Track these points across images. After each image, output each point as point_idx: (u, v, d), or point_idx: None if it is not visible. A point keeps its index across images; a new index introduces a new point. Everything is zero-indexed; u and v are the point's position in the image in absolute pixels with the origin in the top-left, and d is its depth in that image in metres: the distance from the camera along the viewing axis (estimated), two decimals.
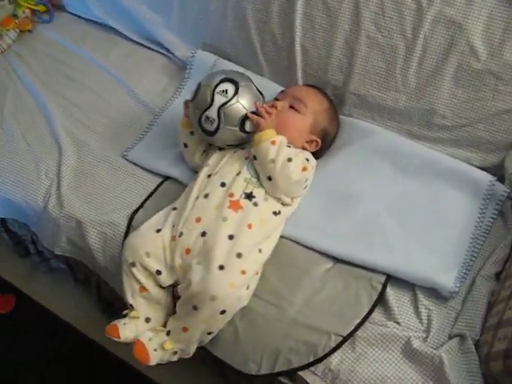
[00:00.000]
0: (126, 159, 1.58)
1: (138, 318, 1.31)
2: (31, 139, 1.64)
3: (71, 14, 2.01)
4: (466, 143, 1.49)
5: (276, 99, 1.49)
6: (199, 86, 1.38)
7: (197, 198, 1.35)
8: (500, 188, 1.42)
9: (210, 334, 1.27)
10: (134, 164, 1.57)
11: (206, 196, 1.33)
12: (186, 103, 1.43)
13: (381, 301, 1.29)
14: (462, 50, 1.40)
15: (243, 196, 1.32)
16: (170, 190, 1.51)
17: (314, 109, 1.47)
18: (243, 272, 1.23)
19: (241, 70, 1.66)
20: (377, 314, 1.28)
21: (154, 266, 1.30)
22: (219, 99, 1.32)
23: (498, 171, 1.46)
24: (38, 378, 1.78)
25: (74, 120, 1.69)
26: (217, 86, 1.33)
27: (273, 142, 1.31)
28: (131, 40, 1.90)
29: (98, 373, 1.78)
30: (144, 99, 1.72)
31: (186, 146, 1.48)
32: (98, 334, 1.75)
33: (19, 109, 1.72)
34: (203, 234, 1.28)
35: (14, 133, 1.66)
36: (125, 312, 1.33)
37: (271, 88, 1.61)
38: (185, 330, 1.26)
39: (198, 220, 1.30)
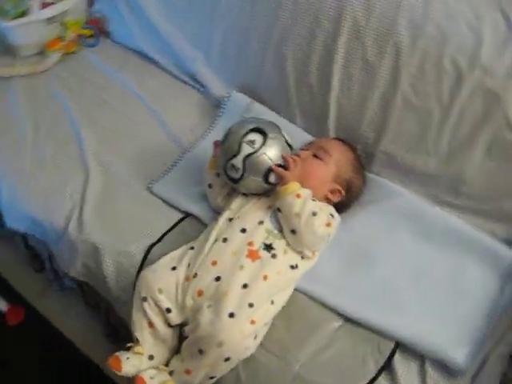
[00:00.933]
0: (151, 191, 1.59)
1: (141, 354, 1.30)
2: (61, 159, 1.66)
3: (116, 41, 2.06)
4: (492, 215, 1.46)
5: (302, 149, 1.50)
6: (229, 131, 1.39)
7: (215, 241, 1.34)
8: None
9: (211, 378, 1.26)
10: (158, 197, 1.57)
11: (225, 240, 1.33)
12: (216, 143, 1.44)
13: (388, 367, 1.26)
14: (498, 121, 1.39)
15: (263, 247, 1.31)
16: (190, 226, 1.51)
17: (337, 158, 1.47)
18: (253, 322, 1.22)
19: (273, 115, 1.68)
20: (382, 380, 1.25)
21: (165, 303, 1.29)
22: (246, 149, 1.33)
23: None
24: None
25: (104, 144, 1.70)
26: (245, 135, 1.34)
27: (298, 196, 1.31)
28: (169, 72, 1.92)
29: None
30: (175, 132, 1.74)
31: (210, 186, 1.49)
32: (99, 357, 1.76)
33: (53, 129, 1.75)
34: (218, 278, 1.27)
35: (46, 152, 1.68)
36: (129, 345, 1.32)
37: (302, 137, 1.62)
38: (188, 372, 1.25)
39: (214, 263, 1.29)
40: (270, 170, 1.34)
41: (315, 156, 1.46)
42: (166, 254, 1.38)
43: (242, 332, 1.19)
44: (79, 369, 1.80)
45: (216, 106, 1.80)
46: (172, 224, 1.52)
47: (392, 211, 1.51)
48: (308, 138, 1.63)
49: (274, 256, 1.31)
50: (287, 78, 1.65)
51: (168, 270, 1.32)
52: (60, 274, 1.82)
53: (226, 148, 1.36)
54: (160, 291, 1.29)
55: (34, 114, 1.79)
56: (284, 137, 1.40)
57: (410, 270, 1.41)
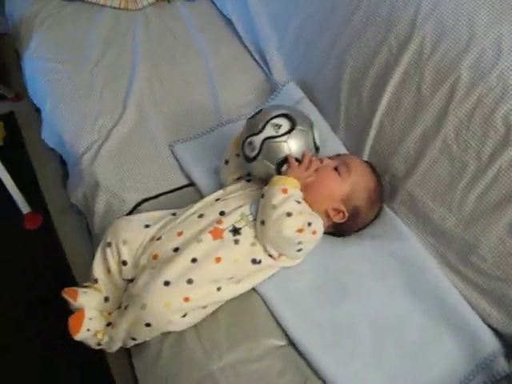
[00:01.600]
0: (171, 150, 1.60)
1: (100, 292, 1.31)
2: (106, 92, 1.72)
3: (213, 2, 2.07)
4: (494, 298, 1.30)
5: (329, 157, 1.42)
6: (260, 110, 1.35)
7: (193, 213, 1.33)
8: (501, 364, 1.24)
9: (133, 339, 1.25)
10: (175, 157, 1.58)
11: (201, 216, 1.31)
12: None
13: None
14: None
15: (230, 228, 1.27)
16: (190, 195, 1.49)
17: (356, 181, 1.37)
18: (186, 299, 1.19)
19: (319, 117, 1.61)
20: None
21: (124, 255, 1.29)
22: (269, 131, 1.28)
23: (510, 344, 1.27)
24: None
25: (150, 93, 1.74)
26: (274, 117, 1.29)
27: (284, 190, 1.25)
28: (245, 46, 1.91)
29: None
30: (220, 105, 1.73)
31: (226, 162, 1.45)
32: None
33: (114, 63, 1.81)
34: (176, 249, 1.25)
35: (98, 81, 1.75)
36: (86, 284, 1.34)
37: (337, 149, 1.54)
38: (112, 326, 1.25)
39: (180, 234, 1.28)
40: (285, 161, 1.28)
41: (336, 169, 1.38)
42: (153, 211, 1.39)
43: (168, 304, 1.17)
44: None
45: (273, 91, 1.75)
46: (175, 187, 1.52)
47: (391, 253, 1.38)
48: (343, 151, 1.55)
49: (236, 241, 1.26)
50: (342, 85, 1.57)
51: (141, 226, 1.33)
52: None
53: (251, 124, 1.32)
54: (124, 242, 1.30)
55: (105, 44, 1.87)
56: (313, 134, 1.33)
57: (381, 318, 1.30)
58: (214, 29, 1.97)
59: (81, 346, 1.29)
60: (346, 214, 1.36)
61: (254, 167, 1.33)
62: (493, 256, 1.29)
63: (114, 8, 1.97)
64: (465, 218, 1.34)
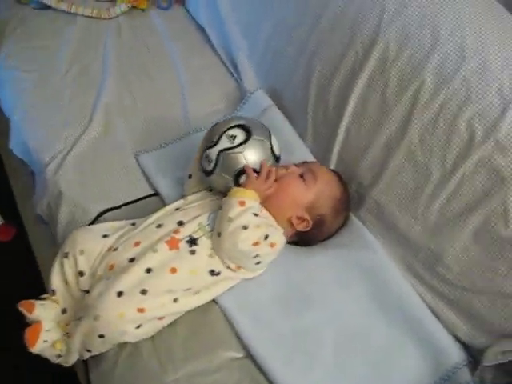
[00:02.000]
0: (136, 159, 1.57)
1: (57, 303, 1.28)
2: (74, 102, 1.69)
3: (187, 10, 2.05)
4: (460, 308, 1.27)
5: (295, 165, 1.39)
6: (217, 121, 1.33)
7: (151, 223, 1.30)
8: (464, 376, 1.21)
9: (88, 351, 1.22)
10: (140, 166, 1.56)
11: (159, 226, 1.28)
12: None
13: None
14: (494, 207, 1.19)
15: (187, 239, 1.24)
16: (153, 205, 1.44)
17: (321, 189, 1.34)
18: (140, 310, 1.16)
19: (287, 125, 1.59)
20: None
21: (81, 265, 1.26)
22: (224, 142, 1.26)
23: (476, 354, 1.23)
24: None
25: (119, 104, 1.71)
26: (229, 128, 1.27)
27: (241, 203, 1.22)
28: (218, 54, 1.89)
29: None
30: (189, 114, 1.70)
31: (190, 176, 1.43)
32: None
33: (84, 71, 1.79)
34: (132, 259, 1.22)
35: (66, 90, 1.72)
36: (44, 296, 1.31)
37: (304, 156, 1.51)
38: (69, 335, 1.22)
39: (137, 244, 1.25)
40: (242, 172, 1.26)
41: (301, 176, 1.35)
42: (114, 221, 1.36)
43: (121, 315, 1.15)
44: None
45: (241, 99, 1.73)
46: (137, 197, 1.49)
47: (357, 263, 1.35)
48: (310, 159, 1.51)
49: (192, 252, 1.23)
50: (310, 91, 1.54)
51: (99, 236, 1.30)
52: None
53: (207, 137, 1.31)
54: (81, 252, 1.27)
55: (76, 53, 1.84)
56: (271, 144, 1.30)
57: (346, 327, 1.27)
58: (187, 38, 1.95)
59: None
60: (310, 223, 1.33)
61: (213, 180, 1.30)
62: (458, 265, 1.27)
63: (86, 17, 1.95)
64: (430, 227, 1.31)
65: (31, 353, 1.23)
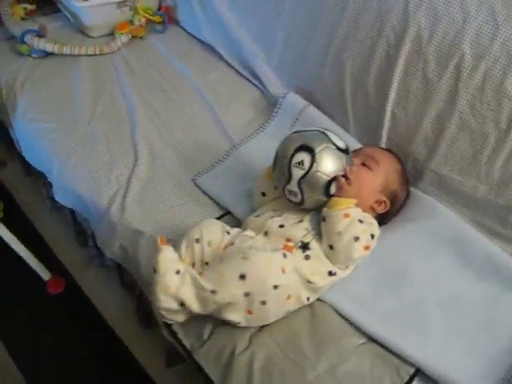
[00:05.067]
0: (195, 183, 1.61)
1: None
2: (112, 141, 1.70)
3: (183, 29, 2.09)
4: None
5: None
6: (276, 156, 1.36)
7: (256, 234, 1.35)
8: None
9: (229, 305, 1.22)
10: (201, 190, 1.59)
11: (266, 234, 1.34)
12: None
13: None
14: None
15: (299, 244, 1.31)
16: (228, 223, 1.49)
17: (386, 169, 1.43)
18: (282, 270, 1.22)
19: (327, 120, 1.67)
20: None
21: (207, 256, 1.31)
22: (297, 172, 1.29)
23: None
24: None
25: (155, 132, 1.73)
26: (292, 157, 1.30)
27: (346, 215, 1.28)
28: (230, 66, 1.94)
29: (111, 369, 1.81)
30: (227, 128, 1.75)
31: (264, 194, 1.47)
32: (128, 338, 1.82)
33: (110, 109, 1.80)
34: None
35: (99, 132, 1.72)
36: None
37: (353, 146, 1.56)
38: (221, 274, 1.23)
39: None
40: (329, 183, 1.30)
41: (364, 164, 1.42)
42: None
43: (269, 261, 1.22)
44: (108, 347, 1.85)
45: (272, 105, 1.79)
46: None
47: (433, 232, 1.45)
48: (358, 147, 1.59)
49: (307, 257, 1.29)
50: (344, 84, 1.63)
51: (224, 232, 1.35)
52: (102, 251, 1.88)
53: (279, 174, 1.34)
54: (209, 244, 1.32)
55: (94, 93, 1.85)
56: (334, 144, 1.33)
57: (443, 295, 1.36)
58: (193, 56, 1.99)
59: None
60: (388, 202, 1.42)
61: (308, 206, 1.35)
62: None
63: (90, 55, 1.96)
64: (495, 184, 1.42)
65: None
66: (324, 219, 1.32)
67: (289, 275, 1.23)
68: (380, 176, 1.42)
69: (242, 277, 1.20)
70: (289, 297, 1.26)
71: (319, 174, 1.28)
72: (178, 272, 1.24)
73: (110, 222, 1.55)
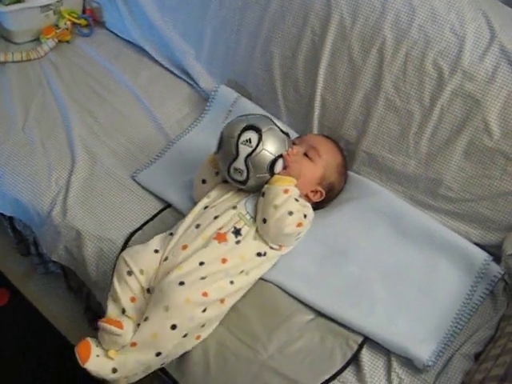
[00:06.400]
0: (135, 180, 1.62)
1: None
2: (48, 146, 1.68)
3: (110, 31, 2.09)
4: (468, 218, 1.48)
5: (293, 143, 1.50)
6: (222, 137, 1.39)
7: (188, 227, 1.38)
8: (494, 268, 1.40)
9: (158, 355, 1.25)
10: (141, 186, 1.60)
11: (198, 226, 1.37)
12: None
13: (354, 361, 1.28)
14: (476, 125, 1.41)
15: (232, 230, 1.35)
16: (170, 216, 1.54)
17: (327, 161, 1.49)
18: (204, 294, 1.24)
19: (259, 110, 1.70)
20: (348, 374, 1.27)
21: (144, 283, 1.32)
22: (244, 150, 1.33)
23: (496, 251, 1.44)
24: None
25: (91, 133, 1.73)
26: (239, 135, 1.34)
27: (285, 191, 1.33)
28: (161, 65, 1.95)
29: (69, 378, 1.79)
30: (162, 124, 1.77)
31: (204, 182, 1.49)
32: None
33: (43, 115, 1.78)
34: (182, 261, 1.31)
35: (34, 137, 1.70)
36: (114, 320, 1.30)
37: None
38: (133, 344, 1.25)
39: (185, 247, 1.33)
40: (274, 162, 1.35)
41: (306, 155, 1.48)
42: (145, 241, 1.40)
43: (188, 300, 1.22)
44: (59, 351, 1.82)
45: (205, 100, 1.83)
46: (153, 214, 1.55)
47: (370, 209, 1.53)
48: (293, 134, 1.65)
49: (238, 242, 1.34)
50: (274, 74, 1.68)
51: (152, 253, 1.35)
52: (45, 258, 1.86)
53: (224, 153, 1.37)
54: (141, 272, 1.32)
55: (25, 99, 1.83)
56: (278, 126, 1.39)
57: (384, 267, 1.43)
58: (123, 57, 1.99)
59: None
60: (324, 192, 1.49)
61: (251, 185, 1.38)
62: (457, 183, 1.48)
63: (17, 62, 1.93)
64: (424, 159, 1.51)
65: None
66: (263, 194, 1.36)
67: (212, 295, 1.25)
68: (320, 168, 1.48)
69: (173, 327, 1.22)
70: (222, 301, 1.29)
71: (266, 152, 1.33)
72: (114, 370, 1.25)
73: (53, 225, 1.54)
